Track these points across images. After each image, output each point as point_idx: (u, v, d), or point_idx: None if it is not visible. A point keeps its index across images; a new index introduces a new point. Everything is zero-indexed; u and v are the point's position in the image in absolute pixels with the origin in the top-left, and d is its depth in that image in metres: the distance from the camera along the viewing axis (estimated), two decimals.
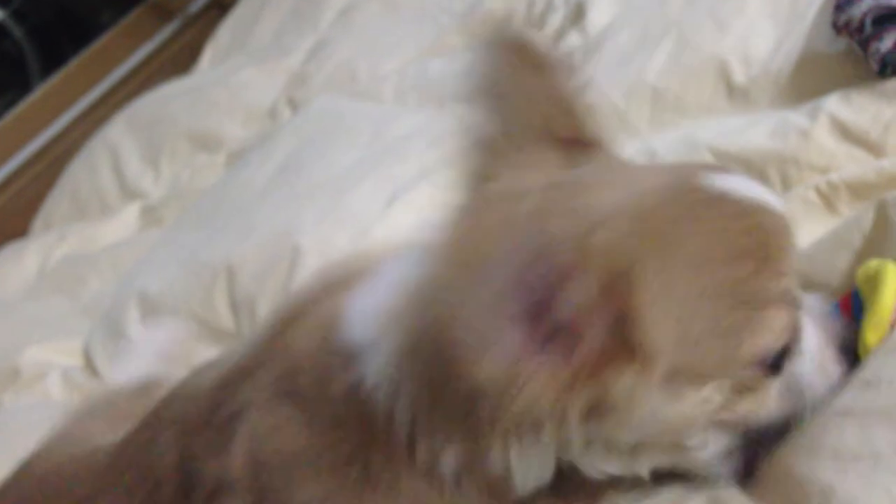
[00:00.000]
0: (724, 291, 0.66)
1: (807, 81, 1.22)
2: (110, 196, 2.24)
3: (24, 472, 1.14)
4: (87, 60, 2.88)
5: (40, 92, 2.81)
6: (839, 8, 1.15)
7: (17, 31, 2.95)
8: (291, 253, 1.49)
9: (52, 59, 2.90)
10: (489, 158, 0.78)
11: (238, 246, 1.58)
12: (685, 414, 0.69)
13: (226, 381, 0.90)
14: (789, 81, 1.25)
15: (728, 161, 1.14)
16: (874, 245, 0.89)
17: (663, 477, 0.76)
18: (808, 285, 0.83)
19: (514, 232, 0.63)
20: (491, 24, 0.93)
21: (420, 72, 1.94)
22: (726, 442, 0.73)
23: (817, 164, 1.10)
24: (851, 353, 0.78)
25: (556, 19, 1.78)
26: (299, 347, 0.84)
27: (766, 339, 0.68)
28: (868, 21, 1.10)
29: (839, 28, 1.15)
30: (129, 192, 2.23)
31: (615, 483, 0.76)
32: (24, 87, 2.85)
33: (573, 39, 1.67)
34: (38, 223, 2.34)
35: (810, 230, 1.02)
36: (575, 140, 0.78)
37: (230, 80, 2.34)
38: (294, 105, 2.17)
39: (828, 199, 1.06)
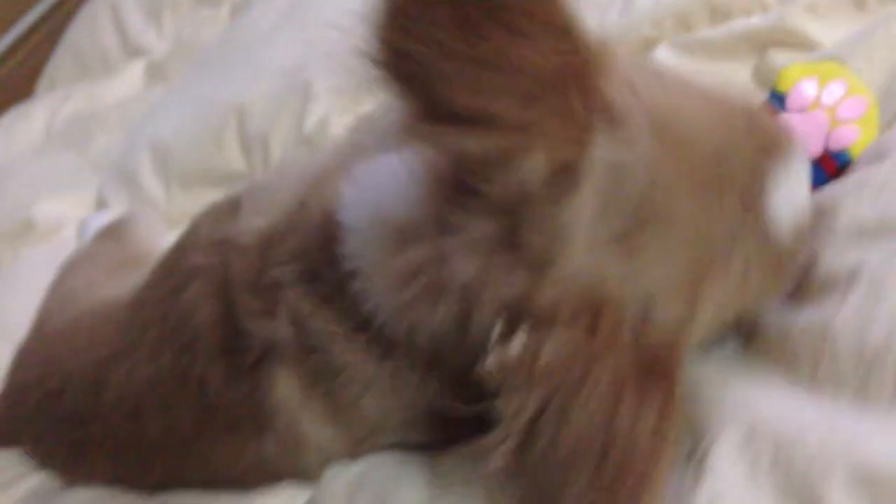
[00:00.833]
0: None
1: None
2: (114, 54, 2.20)
3: (38, 333, 1.13)
4: None
5: None
6: None
7: None
8: (303, 89, 1.46)
9: None
10: None
11: (247, 86, 1.55)
12: None
13: (264, 241, 0.84)
14: None
15: None
16: None
17: None
18: None
19: None
20: None
21: None
22: None
23: None
24: None
25: None
26: (314, 223, 0.80)
27: None
28: None
29: None
30: (132, 49, 2.19)
31: None
32: None
33: None
34: (42, 84, 2.31)
35: (839, 27, 0.99)
36: None
37: None
38: None
39: None
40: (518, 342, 0.59)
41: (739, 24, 1.07)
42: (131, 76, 2.12)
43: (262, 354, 0.82)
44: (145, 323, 0.92)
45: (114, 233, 1.32)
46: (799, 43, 1.01)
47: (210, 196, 1.34)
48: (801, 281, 0.73)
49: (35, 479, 1.07)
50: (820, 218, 0.77)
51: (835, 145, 0.84)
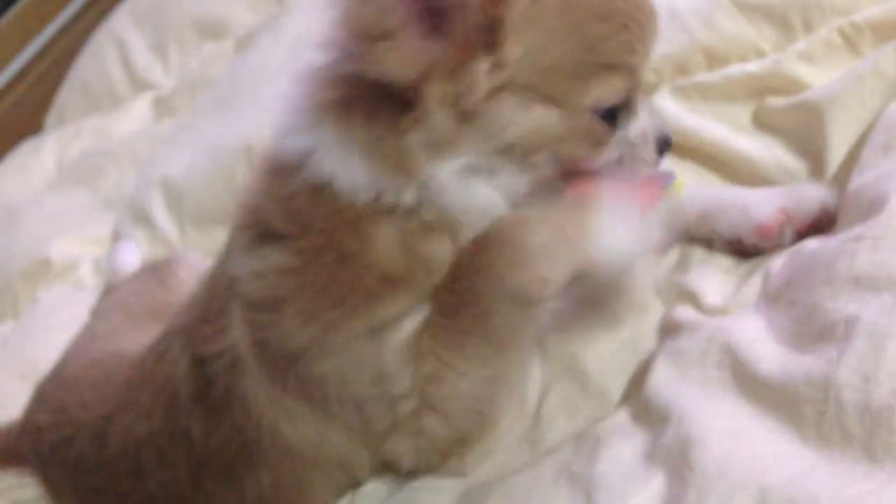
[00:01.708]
0: (584, 40, 0.79)
1: None
2: (121, 88, 2.23)
3: (58, 375, 1.17)
4: None
5: None
6: None
7: None
8: None
9: None
10: None
11: (256, 126, 1.58)
12: (533, 126, 0.80)
13: (210, 274, 0.95)
14: None
15: (748, 7, 1.13)
16: None
17: None
18: None
19: None
20: None
21: None
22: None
23: (840, 7, 1.08)
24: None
25: None
26: (257, 200, 0.88)
27: (606, 92, 0.81)
28: None
29: None
30: (139, 83, 2.22)
31: None
32: None
33: None
34: (51, 118, 2.34)
35: (833, 74, 1.02)
36: None
37: None
38: None
39: (851, 41, 1.05)
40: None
41: (735, 70, 1.10)
42: (139, 110, 2.16)
43: (227, 377, 0.88)
44: (142, 382, 0.98)
45: (159, 273, 1.36)
46: (794, 88, 1.05)
47: (222, 235, 1.38)
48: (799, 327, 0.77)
49: None
50: (817, 267, 0.80)
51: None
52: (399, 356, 0.83)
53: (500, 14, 0.76)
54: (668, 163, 0.95)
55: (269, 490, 0.91)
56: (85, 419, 1.04)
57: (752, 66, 1.08)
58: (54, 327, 1.53)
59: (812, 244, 0.86)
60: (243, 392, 0.88)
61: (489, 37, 0.76)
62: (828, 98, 0.98)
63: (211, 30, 2.19)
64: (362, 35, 0.75)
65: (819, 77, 1.03)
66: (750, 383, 0.77)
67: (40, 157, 2.15)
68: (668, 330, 0.90)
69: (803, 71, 1.05)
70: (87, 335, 1.29)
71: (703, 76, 1.13)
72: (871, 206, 0.82)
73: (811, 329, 0.76)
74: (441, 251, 0.83)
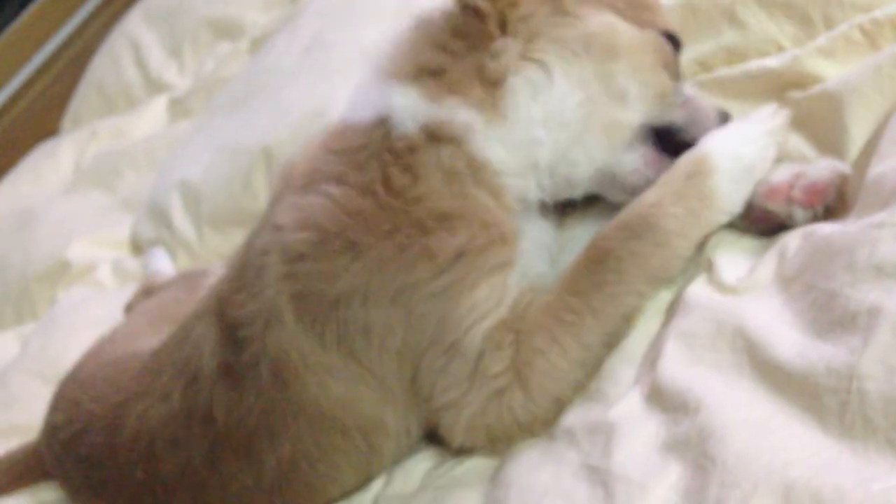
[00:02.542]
0: None
1: None
2: (136, 89, 2.24)
3: (74, 378, 1.19)
4: None
5: None
6: None
7: None
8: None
9: None
10: None
11: (273, 128, 1.59)
12: (607, 26, 0.93)
13: (242, 249, 0.96)
14: None
15: (769, 2, 1.12)
16: None
17: None
18: None
19: None
20: None
21: None
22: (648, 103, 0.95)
23: (860, 3, 1.08)
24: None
25: None
26: (309, 164, 0.92)
27: (668, 22, 0.97)
28: None
29: None
30: (154, 85, 2.23)
31: None
32: None
33: None
34: (67, 121, 2.35)
35: (853, 70, 1.02)
36: None
37: None
38: None
39: (871, 37, 1.04)
40: None
41: (755, 65, 1.09)
42: (155, 112, 2.17)
43: (260, 337, 0.88)
44: (160, 368, 0.99)
45: (189, 282, 1.38)
46: (814, 84, 1.04)
47: (240, 236, 1.38)
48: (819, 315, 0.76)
49: None
50: (836, 252, 0.79)
51: None
52: (490, 337, 0.84)
53: None
54: None
55: (289, 463, 0.91)
56: (98, 411, 1.05)
57: (772, 62, 1.08)
58: (75, 328, 1.54)
59: (828, 228, 0.85)
60: (275, 350, 0.88)
61: None
62: (846, 88, 0.98)
63: (226, 30, 2.20)
64: None
65: (839, 73, 1.02)
66: (767, 369, 0.76)
67: (57, 159, 2.16)
68: (676, 309, 0.89)
69: (823, 66, 1.04)
70: (107, 338, 1.31)
71: (724, 71, 1.12)
72: (893, 193, 0.82)
73: (831, 316, 0.75)
74: (486, 197, 0.87)
